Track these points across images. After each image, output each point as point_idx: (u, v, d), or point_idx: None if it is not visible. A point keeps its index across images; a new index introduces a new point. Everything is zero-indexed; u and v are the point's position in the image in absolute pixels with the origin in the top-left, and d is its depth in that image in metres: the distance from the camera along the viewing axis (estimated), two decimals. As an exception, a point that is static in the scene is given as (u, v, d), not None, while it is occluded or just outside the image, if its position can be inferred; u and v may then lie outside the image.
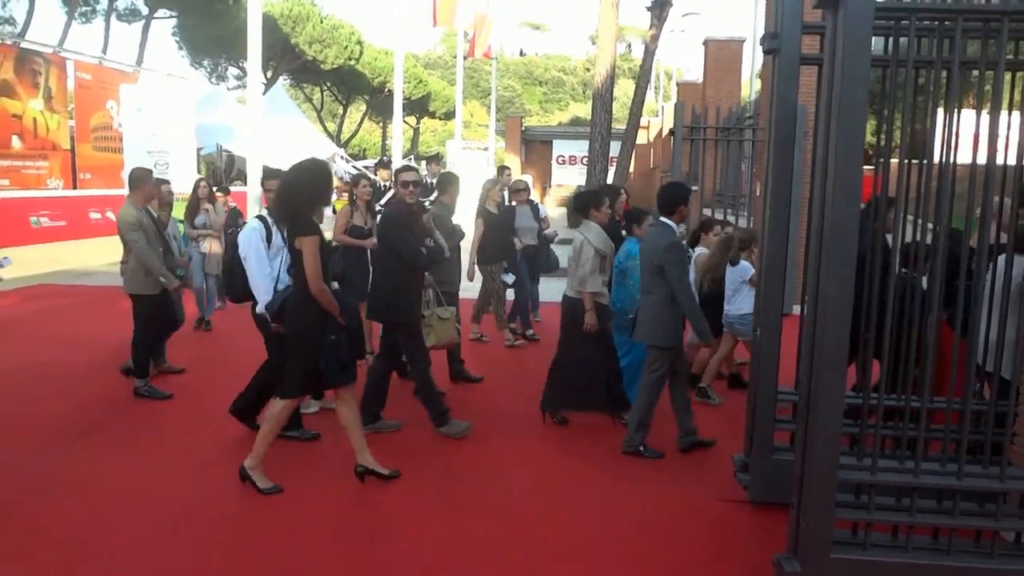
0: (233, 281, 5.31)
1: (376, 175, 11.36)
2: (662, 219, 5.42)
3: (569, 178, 37.41)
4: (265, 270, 5.06)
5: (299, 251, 4.44)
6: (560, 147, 40.17)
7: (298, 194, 4.49)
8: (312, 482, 4.82)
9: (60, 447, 5.37)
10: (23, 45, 21.56)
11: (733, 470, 4.89)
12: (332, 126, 51.22)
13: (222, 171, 28.30)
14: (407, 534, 4.18)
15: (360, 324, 4.86)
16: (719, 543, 4.18)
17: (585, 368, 5.84)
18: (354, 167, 35.35)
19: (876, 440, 3.68)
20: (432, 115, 56.25)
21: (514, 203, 9.61)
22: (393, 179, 5.39)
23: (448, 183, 6.93)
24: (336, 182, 26.83)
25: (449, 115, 52.71)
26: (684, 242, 6.38)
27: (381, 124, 56.75)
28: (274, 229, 5.14)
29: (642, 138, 32.93)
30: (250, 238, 5.11)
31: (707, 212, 12.64)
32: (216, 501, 4.55)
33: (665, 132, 28.00)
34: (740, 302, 6.62)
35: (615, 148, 17.80)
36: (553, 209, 33.95)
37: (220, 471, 4.95)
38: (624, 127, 19.64)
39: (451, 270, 6.77)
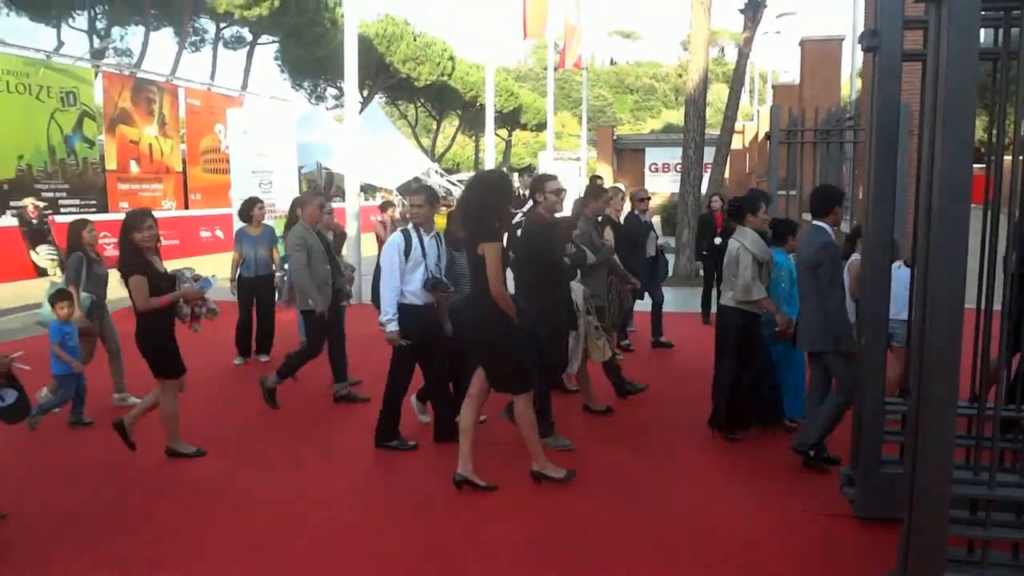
0: (375, 288, 5.67)
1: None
2: (815, 222, 5.27)
3: (662, 186, 36.90)
4: (392, 283, 5.31)
5: (481, 257, 4.63)
6: (653, 155, 39.81)
7: (481, 203, 4.70)
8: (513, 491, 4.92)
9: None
10: (139, 75, 22.98)
11: (839, 484, 4.72)
12: (426, 141, 52.30)
13: (322, 188, 29.27)
14: (607, 537, 4.25)
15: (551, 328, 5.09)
16: (824, 561, 4.04)
17: (751, 382, 5.72)
18: (449, 181, 36.01)
19: (994, 452, 3.50)
20: (524, 127, 56.70)
21: (636, 212, 9.59)
22: (530, 188, 5.44)
23: (593, 194, 7.09)
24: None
25: (540, 126, 52.99)
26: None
27: (474, 138, 57.63)
28: (414, 242, 5.37)
29: (737, 143, 32.31)
30: (388, 251, 5.36)
31: (806, 217, 12.27)
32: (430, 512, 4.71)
33: (761, 136, 27.37)
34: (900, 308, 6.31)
35: (709, 154, 17.54)
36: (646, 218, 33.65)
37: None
38: (718, 132, 19.32)
39: (599, 283, 6.71)
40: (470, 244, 4.75)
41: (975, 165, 3.45)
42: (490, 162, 20.15)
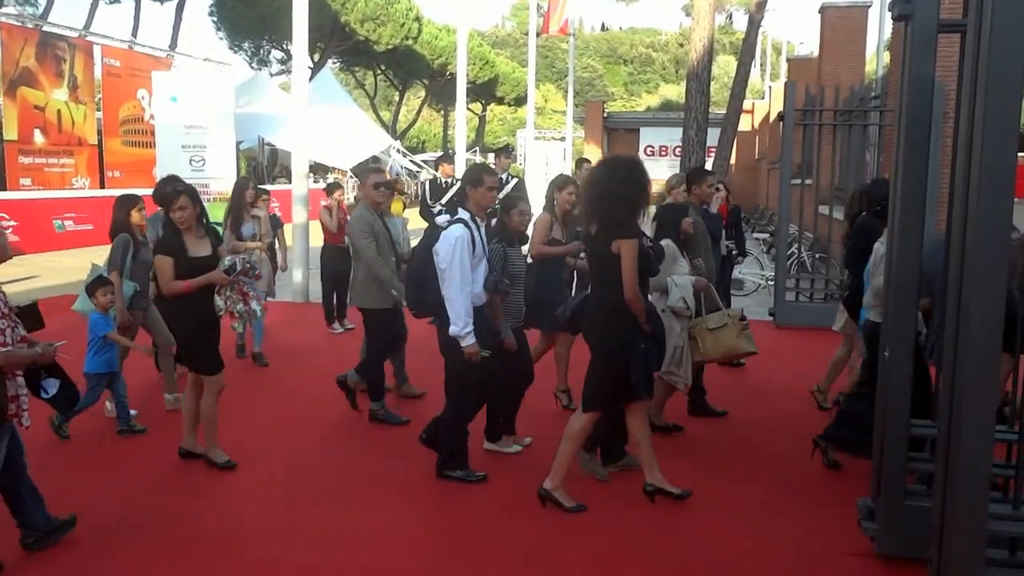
0: (424, 293, 5.47)
1: (438, 171, 11.48)
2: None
3: (660, 172, 37.06)
4: (467, 287, 5.26)
5: (614, 255, 4.75)
6: (648, 136, 40.01)
7: (615, 193, 4.80)
8: (606, 503, 5.14)
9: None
10: (45, 28, 22.60)
11: (857, 517, 4.77)
12: (387, 115, 52.21)
13: (264, 167, 29.10)
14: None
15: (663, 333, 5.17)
16: (840, 605, 4.06)
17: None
18: (412, 161, 35.98)
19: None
20: (500, 101, 56.77)
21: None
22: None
23: (693, 178, 7.36)
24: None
25: (520, 101, 53.10)
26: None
27: (442, 112, 57.56)
28: (477, 236, 5.38)
29: (745, 124, 32.54)
30: (457, 247, 5.24)
31: (823, 210, 12.40)
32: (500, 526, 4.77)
33: (773, 117, 27.60)
34: None
35: (713, 136, 17.66)
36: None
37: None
38: (724, 112, 19.44)
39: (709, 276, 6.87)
40: (598, 239, 4.87)
41: (1020, 154, 3.49)
42: (461, 141, 20.15)
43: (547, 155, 30.07)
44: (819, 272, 12.31)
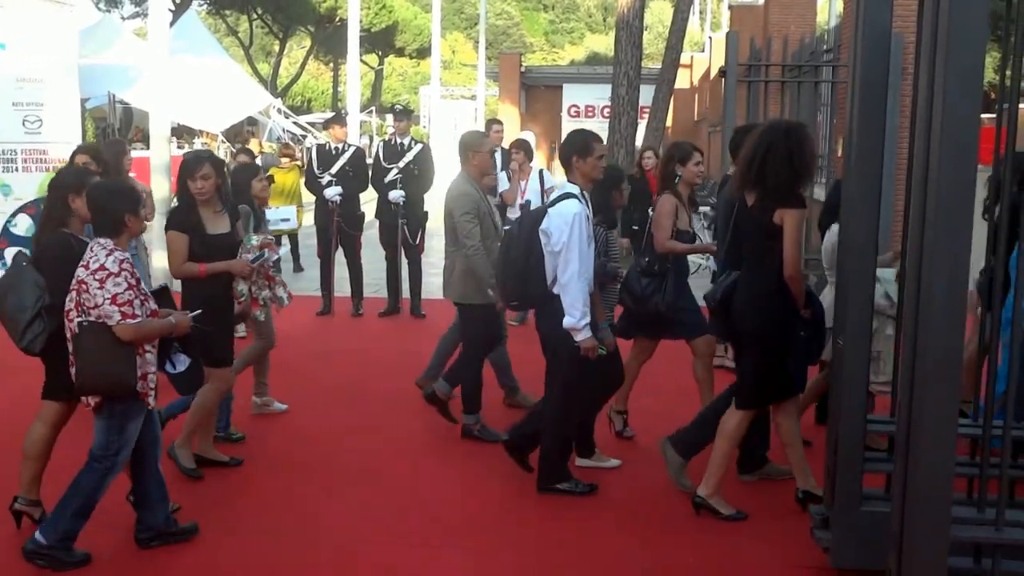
0: (529, 280, 5.45)
1: (327, 132, 11.35)
2: None
3: (585, 136, 37.40)
4: (586, 271, 5.31)
5: (775, 226, 4.87)
6: (573, 94, 40.09)
7: (779, 158, 4.86)
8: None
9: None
10: None
11: (810, 526, 4.90)
12: (266, 69, 51.34)
13: (116, 129, 28.30)
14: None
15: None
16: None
17: None
18: (297, 124, 35.47)
19: (1002, 484, 3.68)
20: (400, 53, 56.33)
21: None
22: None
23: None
24: (269, 147, 26.80)
25: (423, 52, 52.75)
26: None
27: (331, 66, 56.85)
28: (589, 213, 5.41)
29: (683, 81, 32.93)
30: (575, 226, 5.23)
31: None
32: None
33: (714, 72, 28.04)
34: None
35: (647, 95, 17.82)
36: (563, 178, 33.84)
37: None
38: (659, 66, 19.65)
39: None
40: (758, 210, 4.98)
41: (983, 115, 3.61)
42: (354, 100, 19.97)
43: (455, 116, 30.10)
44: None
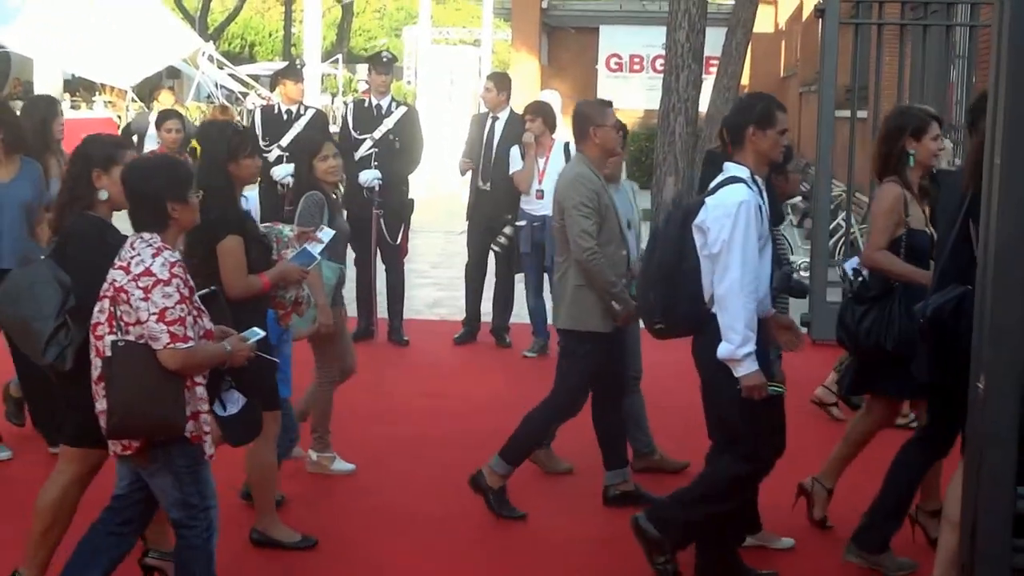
0: (677, 298, 5.42)
1: (279, 91, 11.36)
2: None
3: (628, 96, 37.11)
4: (752, 281, 5.25)
5: None
6: (613, 39, 40.07)
7: None
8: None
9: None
10: None
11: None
12: (192, 1, 51.43)
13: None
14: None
15: None
16: None
17: None
18: (234, 77, 35.46)
19: None
20: (376, -19, 56.45)
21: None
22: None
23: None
24: (193, 107, 26.84)
25: (408, -20, 52.87)
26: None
27: (282, 0, 57.00)
28: (762, 202, 5.40)
29: (764, 23, 32.95)
30: (740, 219, 5.19)
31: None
32: None
33: (808, 11, 28.04)
34: None
35: (714, 41, 17.84)
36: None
37: None
38: (732, 2, 19.68)
39: None
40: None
41: None
42: (312, 44, 19.94)
43: (451, 69, 29.91)
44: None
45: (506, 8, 40.17)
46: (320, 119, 10.85)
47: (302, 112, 10.69)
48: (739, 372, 5.22)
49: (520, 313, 10.83)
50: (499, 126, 10.60)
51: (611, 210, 6.60)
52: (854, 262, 6.96)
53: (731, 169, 5.42)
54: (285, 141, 10.43)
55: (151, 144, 11.62)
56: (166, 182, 4.63)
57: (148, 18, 30.23)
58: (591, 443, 7.03)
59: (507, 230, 10.12)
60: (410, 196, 10.70)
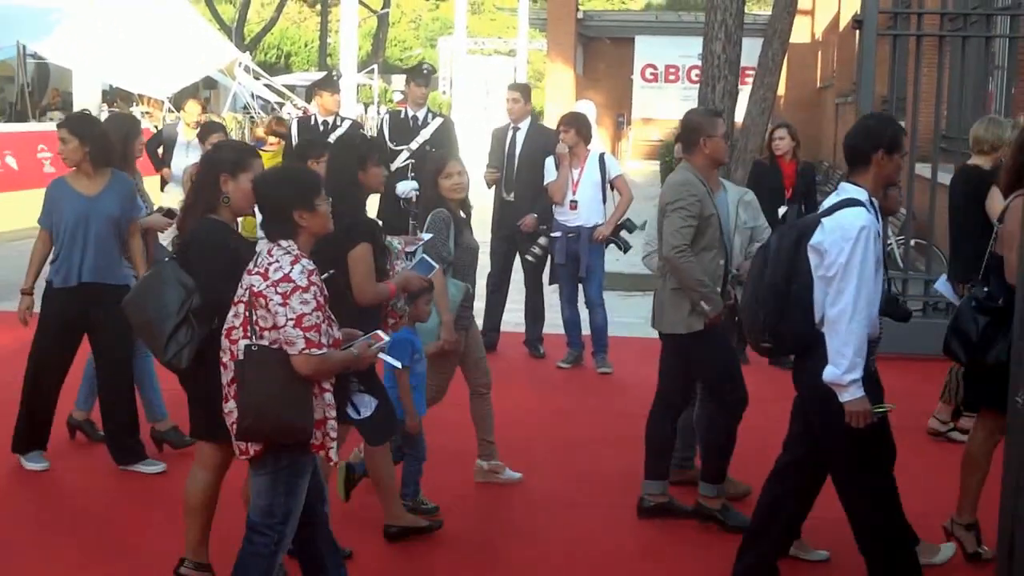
0: (789, 313, 5.40)
1: (316, 102, 11.41)
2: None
3: (663, 106, 37.19)
4: (869, 307, 5.22)
5: None
6: (649, 49, 40.14)
7: None
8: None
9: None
10: None
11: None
12: (229, 11, 51.72)
13: (27, 92, 28.72)
14: None
15: None
16: None
17: None
18: (270, 87, 35.58)
19: None
20: (412, -9, 56.57)
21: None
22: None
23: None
24: (230, 117, 26.90)
25: (443, -9, 52.97)
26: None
27: (319, 10, 57.21)
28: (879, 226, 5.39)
29: (801, 33, 32.89)
30: (860, 243, 5.17)
31: (923, 169, 12.58)
32: None
33: (845, 23, 27.95)
34: None
35: (750, 51, 17.79)
36: (635, 164, 33.79)
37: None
38: (768, 13, 19.63)
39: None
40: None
41: None
42: (348, 54, 20.08)
43: (487, 79, 29.99)
44: (916, 269, 12.43)
45: (542, 19, 40.27)
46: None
47: (338, 123, 10.74)
48: (844, 397, 5.18)
49: (553, 322, 10.87)
50: (520, 136, 10.63)
51: (715, 218, 6.63)
52: (942, 281, 7.14)
53: (849, 191, 5.37)
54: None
55: (180, 154, 11.58)
56: (293, 191, 4.74)
57: (185, 29, 30.46)
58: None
59: (541, 240, 10.14)
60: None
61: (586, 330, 10.48)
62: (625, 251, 10.29)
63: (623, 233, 10.10)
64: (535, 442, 7.15)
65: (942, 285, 7.84)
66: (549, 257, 10.45)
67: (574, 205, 9.93)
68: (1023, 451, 4.38)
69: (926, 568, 5.74)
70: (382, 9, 56.32)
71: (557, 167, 10.21)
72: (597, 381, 10.19)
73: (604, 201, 10.30)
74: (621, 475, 7.34)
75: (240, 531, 4.91)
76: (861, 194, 5.32)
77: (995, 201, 6.77)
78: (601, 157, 10.23)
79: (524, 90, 11.21)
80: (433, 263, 6.30)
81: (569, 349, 10.53)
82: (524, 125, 10.77)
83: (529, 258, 10.35)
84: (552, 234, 10.11)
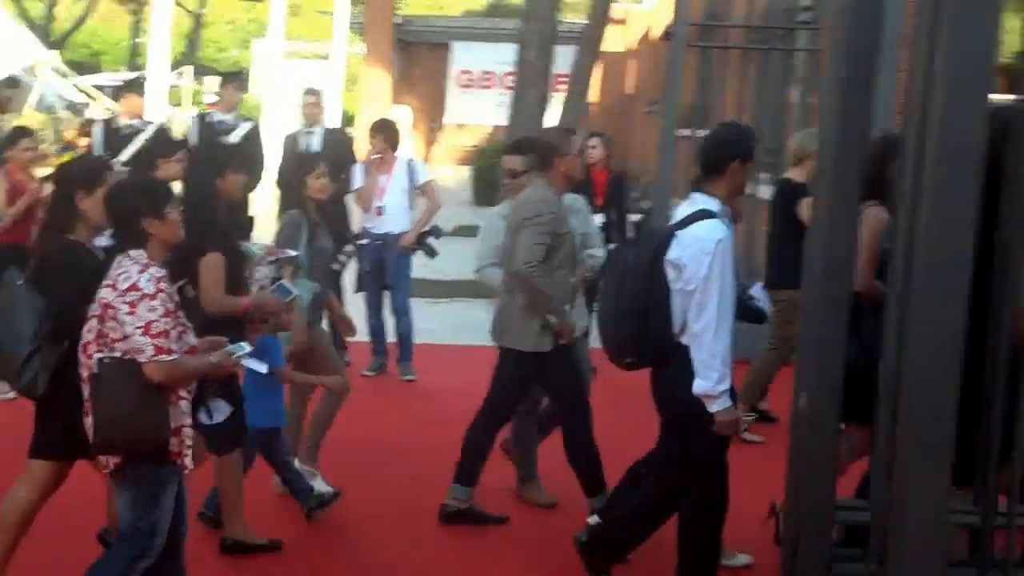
0: (647, 328, 5.35)
1: (121, 101, 11.20)
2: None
3: (479, 111, 37.27)
4: (729, 318, 5.27)
5: None
6: (465, 55, 40.17)
7: None
8: None
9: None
10: None
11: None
12: (36, 7, 50.34)
13: None
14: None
15: None
16: None
17: None
18: (78, 88, 34.65)
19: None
20: (228, -10, 55.82)
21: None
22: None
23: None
24: (39, 119, 26.16)
25: (260, -9, 52.40)
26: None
27: (131, 7, 56.08)
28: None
29: (613, 42, 33.19)
30: (717, 256, 5.16)
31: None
32: None
33: (656, 34, 28.39)
34: None
35: (564, 59, 17.94)
36: (447, 170, 33.74)
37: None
38: (583, 21, 19.80)
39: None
40: None
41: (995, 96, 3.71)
42: (160, 53, 19.68)
43: (303, 82, 29.64)
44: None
45: (360, 22, 40.01)
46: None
47: (142, 127, 10.54)
48: (714, 407, 5.24)
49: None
50: (315, 140, 10.67)
51: (569, 236, 6.67)
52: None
53: (701, 201, 5.39)
54: (124, 156, 10.25)
55: None
56: (142, 200, 4.68)
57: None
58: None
59: (347, 248, 10.09)
60: (250, 213, 10.64)
61: (391, 337, 10.47)
62: (432, 257, 10.28)
63: (430, 240, 10.12)
64: (335, 448, 7.07)
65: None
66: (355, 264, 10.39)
67: (380, 211, 9.93)
68: (803, 452, 4.49)
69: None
70: (198, 8, 55.51)
71: (365, 174, 10.23)
72: (400, 388, 10.19)
73: (412, 208, 10.27)
74: (419, 481, 7.36)
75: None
76: (714, 204, 5.36)
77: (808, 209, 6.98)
78: (409, 163, 10.25)
79: (320, 93, 11.53)
80: (292, 289, 6.28)
81: (374, 357, 10.51)
82: (318, 129, 10.87)
83: (335, 267, 10.31)
84: (362, 241, 10.08)
